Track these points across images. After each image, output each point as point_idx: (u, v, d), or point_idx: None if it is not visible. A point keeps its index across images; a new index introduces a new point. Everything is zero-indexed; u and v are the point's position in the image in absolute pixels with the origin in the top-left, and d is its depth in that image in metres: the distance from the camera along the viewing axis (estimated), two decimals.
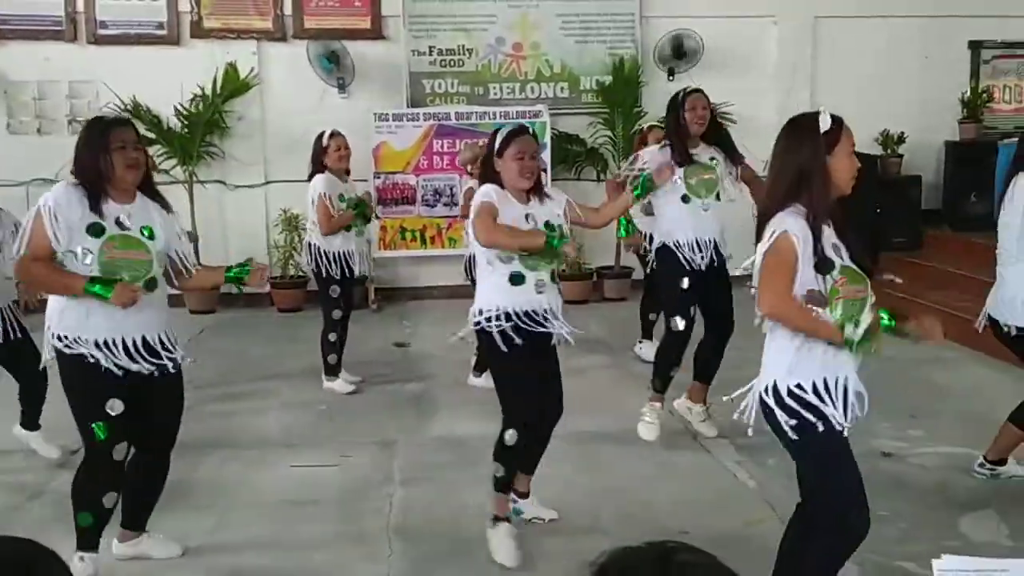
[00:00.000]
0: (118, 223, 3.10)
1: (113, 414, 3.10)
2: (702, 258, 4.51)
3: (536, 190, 3.50)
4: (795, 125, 2.66)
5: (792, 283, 2.53)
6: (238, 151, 8.19)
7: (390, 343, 6.80)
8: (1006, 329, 3.89)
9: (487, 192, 3.39)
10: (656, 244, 4.67)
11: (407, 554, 3.54)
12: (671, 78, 8.53)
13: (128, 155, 3.09)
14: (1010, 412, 4.05)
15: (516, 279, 3.39)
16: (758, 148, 8.14)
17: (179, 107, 7.86)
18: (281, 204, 8.17)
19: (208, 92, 7.86)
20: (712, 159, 4.57)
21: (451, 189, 8.26)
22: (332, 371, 5.63)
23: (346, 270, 5.50)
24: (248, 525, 3.81)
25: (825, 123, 2.56)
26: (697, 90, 4.62)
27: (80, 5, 8.00)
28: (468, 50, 8.38)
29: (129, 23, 8.07)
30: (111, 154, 3.07)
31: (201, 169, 8.05)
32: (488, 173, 3.47)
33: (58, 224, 3.01)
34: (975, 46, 8.90)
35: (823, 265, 2.51)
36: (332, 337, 5.57)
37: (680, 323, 4.54)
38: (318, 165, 5.53)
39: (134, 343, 3.13)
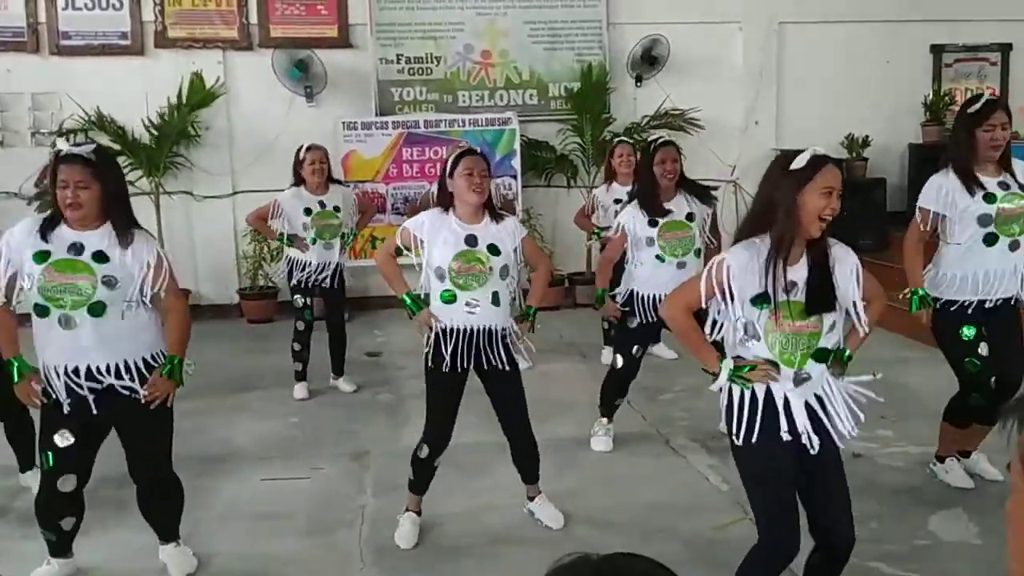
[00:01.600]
0: (73, 248, 3.07)
1: (60, 445, 3.06)
2: None
3: (488, 209, 3.56)
4: (775, 160, 2.72)
5: (699, 301, 2.65)
6: (205, 162, 8.11)
7: (362, 353, 6.75)
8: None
9: (418, 219, 3.60)
10: (624, 288, 4.59)
11: (379, 566, 3.52)
12: (639, 84, 8.58)
13: (65, 194, 3.02)
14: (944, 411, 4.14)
15: (446, 298, 3.54)
16: (724, 152, 8.30)
17: (149, 119, 7.77)
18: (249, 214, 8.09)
19: (174, 102, 7.78)
20: (689, 215, 4.51)
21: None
22: (297, 377, 5.79)
23: (310, 282, 5.60)
24: (218, 539, 3.76)
25: (800, 161, 2.58)
26: (667, 143, 4.55)
27: (42, 16, 7.89)
28: (436, 58, 8.37)
29: (92, 33, 7.97)
30: (56, 190, 3.06)
31: (168, 180, 7.97)
32: (443, 195, 3.60)
33: (9, 264, 3.08)
34: (937, 50, 9.03)
35: (758, 299, 2.57)
36: (296, 346, 5.76)
37: (619, 361, 4.63)
38: (296, 177, 5.63)
39: (76, 371, 3.07)
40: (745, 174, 8.76)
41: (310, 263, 5.58)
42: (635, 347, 4.60)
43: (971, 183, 3.86)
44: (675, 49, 8.46)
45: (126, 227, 3.15)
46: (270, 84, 8.10)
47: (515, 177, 8.32)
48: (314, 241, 5.57)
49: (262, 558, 3.60)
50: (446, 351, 3.53)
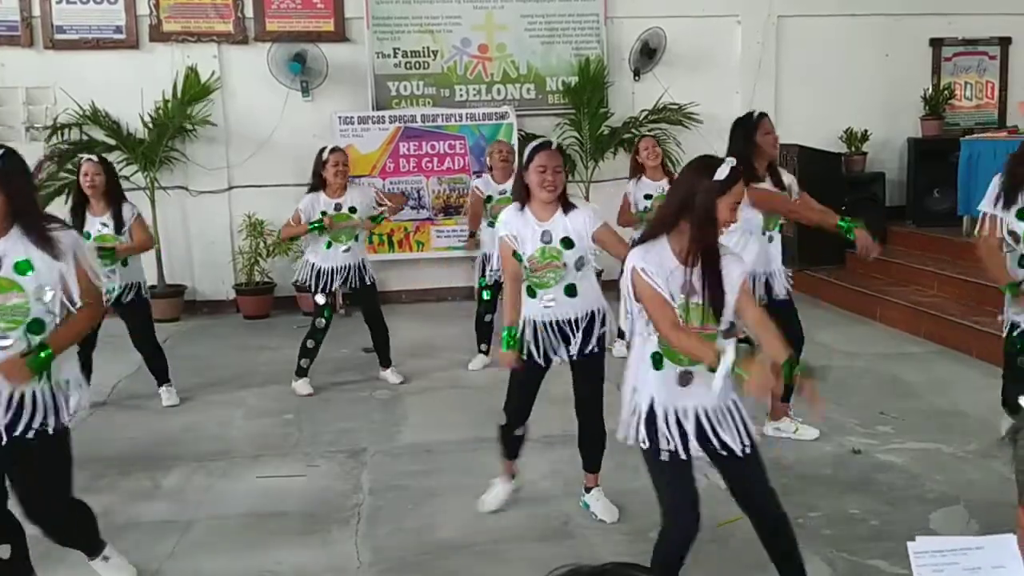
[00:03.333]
0: None
1: None
2: None
3: (561, 202, 3.58)
4: (699, 166, 2.72)
5: (671, 312, 2.67)
6: (200, 156, 8.06)
7: (358, 348, 6.71)
8: None
9: (504, 224, 3.63)
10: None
11: (375, 565, 3.48)
12: (637, 78, 8.54)
13: None
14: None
15: (527, 293, 3.65)
16: (723, 147, 8.23)
17: (148, 114, 7.72)
18: (245, 209, 8.06)
19: (169, 97, 7.72)
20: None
21: (418, 192, 8.20)
22: (300, 373, 5.74)
23: (327, 283, 5.63)
24: (213, 537, 3.73)
25: (723, 172, 2.63)
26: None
27: (36, 9, 7.82)
28: (433, 52, 8.32)
29: (87, 27, 7.91)
30: None
31: (163, 175, 7.92)
32: (518, 187, 3.65)
33: None
34: (936, 43, 9.00)
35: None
36: (310, 344, 5.73)
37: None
38: (318, 179, 5.61)
39: None
40: None
41: (331, 267, 5.62)
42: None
43: None
44: (673, 43, 8.42)
45: (36, 229, 2.83)
46: (266, 78, 8.05)
47: (513, 172, 8.27)
48: (329, 245, 5.60)
49: (258, 556, 3.57)
50: (525, 343, 3.64)
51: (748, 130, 4.36)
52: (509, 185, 5.97)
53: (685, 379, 2.72)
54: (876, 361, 6.10)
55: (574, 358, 3.67)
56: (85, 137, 7.74)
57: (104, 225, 5.16)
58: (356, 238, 5.69)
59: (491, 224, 5.97)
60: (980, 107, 9.17)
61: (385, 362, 5.97)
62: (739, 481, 2.85)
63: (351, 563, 3.50)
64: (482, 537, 3.67)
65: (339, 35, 8.18)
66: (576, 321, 3.61)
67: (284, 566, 3.50)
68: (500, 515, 3.87)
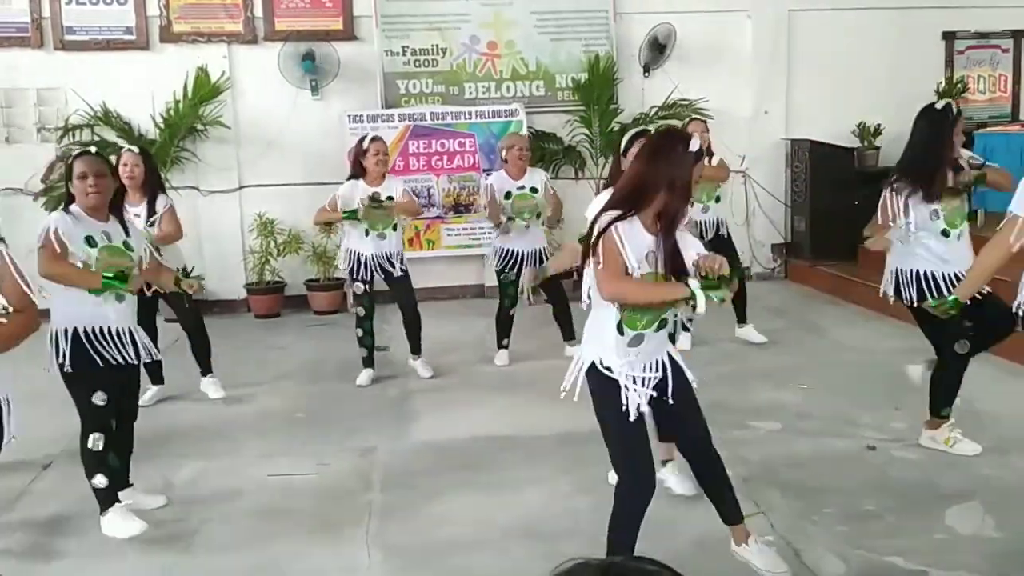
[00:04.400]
0: (104, 235, 3.64)
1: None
2: None
3: None
4: (673, 139, 2.85)
5: (623, 266, 2.79)
6: (211, 156, 8.07)
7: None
8: None
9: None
10: None
11: (386, 563, 3.47)
12: (646, 74, 8.50)
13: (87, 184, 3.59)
14: None
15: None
16: (733, 142, 8.21)
17: (159, 115, 7.74)
18: (256, 209, 8.08)
19: (179, 97, 7.74)
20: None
21: (428, 190, 8.19)
22: (365, 363, 5.88)
23: (364, 271, 5.68)
24: (224, 534, 3.73)
25: (695, 144, 2.78)
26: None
27: (46, 11, 7.85)
28: (442, 49, 8.30)
29: (97, 28, 7.93)
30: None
31: (174, 175, 7.92)
32: (615, 173, 3.75)
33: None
34: (949, 36, 8.92)
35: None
36: (359, 333, 5.86)
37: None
38: (357, 167, 5.67)
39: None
40: (754, 164, 8.68)
41: (369, 255, 5.66)
42: None
43: None
44: (683, 38, 8.38)
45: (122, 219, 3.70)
46: (275, 78, 8.06)
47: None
48: (367, 232, 5.63)
49: (268, 554, 3.57)
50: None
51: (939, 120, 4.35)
52: (527, 180, 6.01)
53: (636, 341, 2.87)
54: (891, 357, 6.02)
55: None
56: (96, 138, 7.75)
57: (136, 216, 5.17)
58: (394, 227, 5.71)
59: (511, 220, 5.99)
60: (993, 100, 9.09)
61: (416, 351, 5.99)
62: (673, 419, 3.06)
63: (362, 561, 3.49)
64: (493, 534, 3.65)
65: (348, 34, 8.18)
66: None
67: (295, 564, 3.49)
68: (510, 512, 3.85)
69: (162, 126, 7.76)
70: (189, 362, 5.72)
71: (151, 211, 5.28)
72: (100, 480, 3.59)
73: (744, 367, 5.94)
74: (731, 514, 3.21)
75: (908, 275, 4.34)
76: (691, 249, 2.90)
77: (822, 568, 3.29)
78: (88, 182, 3.59)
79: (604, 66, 8.20)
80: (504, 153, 6.15)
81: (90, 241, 3.59)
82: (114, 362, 3.62)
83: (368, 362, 5.88)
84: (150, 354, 3.84)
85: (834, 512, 3.73)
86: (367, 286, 5.75)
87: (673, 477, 3.90)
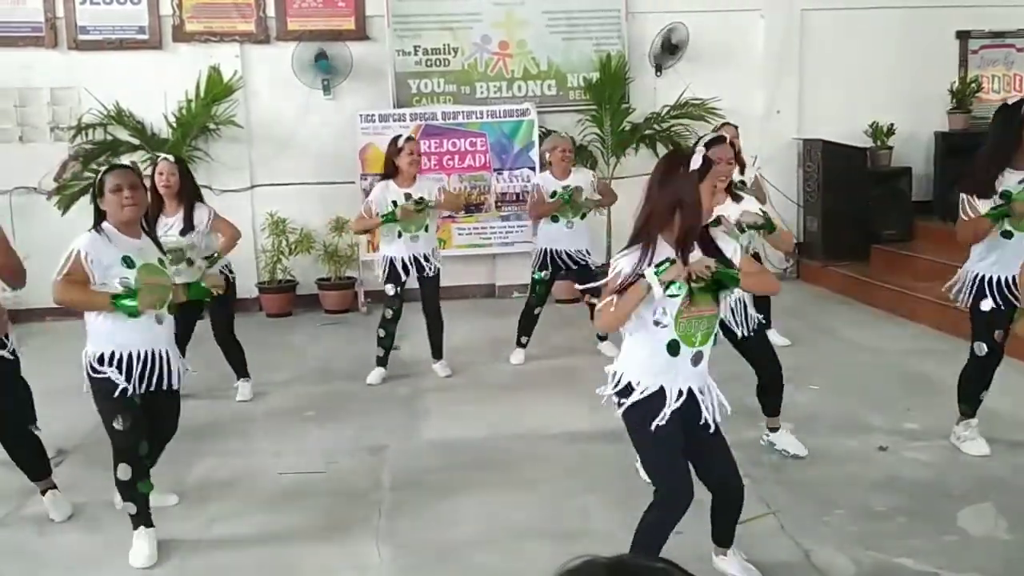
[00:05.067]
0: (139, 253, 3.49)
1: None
2: None
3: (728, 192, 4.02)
4: (670, 162, 2.92)
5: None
6: (223, 155, 8.10)
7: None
8: None
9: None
10: None
11: (396, 561, 3.48)
12: (658, 74, 8.49)
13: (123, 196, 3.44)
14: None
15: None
16: (746, 142, 8.15)
17: (172, 114, 7.78)
18: (268, 208, 8.10)
19: (192, 96, 7.78)
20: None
21: (439, 190, 8.17)
22: (379, 362, 5.89)
23: (400, 273, 5.70)
24: (234, 533, 3.75)
25: (696, 161, 2.83)
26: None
27: (60, 11, 7.90)
28: (454, 49, 8.31)
29: (110, 28, 7.97)
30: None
31: None
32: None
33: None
34: (962, 36, 8.86)
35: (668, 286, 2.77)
36: (381, 333, 5.86)
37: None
38: (391, 167, 5.66)
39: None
40: (767, 164, 8.62)
41: (402, 257, 5.67)
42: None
43: None
44: (695, 38, 8.35)
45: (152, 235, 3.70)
46: (287, 78, 8.08)
47: (533, 169, 8.24)
48: (399, 235, 5.64)
49: (278, 551, 3.58)
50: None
51: (1010, 118, 4.17)
52: (571, 180, 6.06)
53: (697, 359, 2.95)
54: (902, 357, 6.02)
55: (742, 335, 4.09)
56: (109, 137, 7.80)
57: (168, 227, 5.08)
58: (426, 228, 5.72)
59: (555, 219, 6.03)
60: (1008, 100, 9.02)
61: (437, 354, 6.00)
62: (709, 455, 3.04)
63: (372, 559, 3.50)
64: (502, 533, 3.66)
65: (360, 33, 8.19)
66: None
67: (305, 562, 3.51)
68: (520, 511, 3.86)
69: (174, 125, 7.79)
70: (201, 358, 5.74)
71: (188, 222, 5.13)
72: (130, 507, 3.54)
73: None
74: (723, 538, 3.23)
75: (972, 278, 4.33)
76: (728, 247, 3.00)
77: (832, 569, 3.28)
78: (124, 195, 3.41)
79: (616, 65, 8.19)
80: (548, 156, 6.24)
81: (127, 261, 3.41)
82: (145, 388, 3.51)
83: (382, 361, 5.90)
84: (179, 376, 3.67)
85: (845, 513, 3.71)
86: (399, 288, 5.75)
87: (786, 438, 4.35)
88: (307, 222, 8.12)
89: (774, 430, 4.40)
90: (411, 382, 5.86)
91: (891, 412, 4.88)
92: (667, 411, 2.88)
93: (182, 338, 4.86)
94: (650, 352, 2.90)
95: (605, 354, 6.16)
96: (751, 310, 4.14)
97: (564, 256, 6.02)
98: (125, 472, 3.48)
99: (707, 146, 4.11)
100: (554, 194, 6.02)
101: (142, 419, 3.51)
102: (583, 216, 6.04)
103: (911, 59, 8.63)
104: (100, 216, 3.48)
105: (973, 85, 8.72)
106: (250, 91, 8.12)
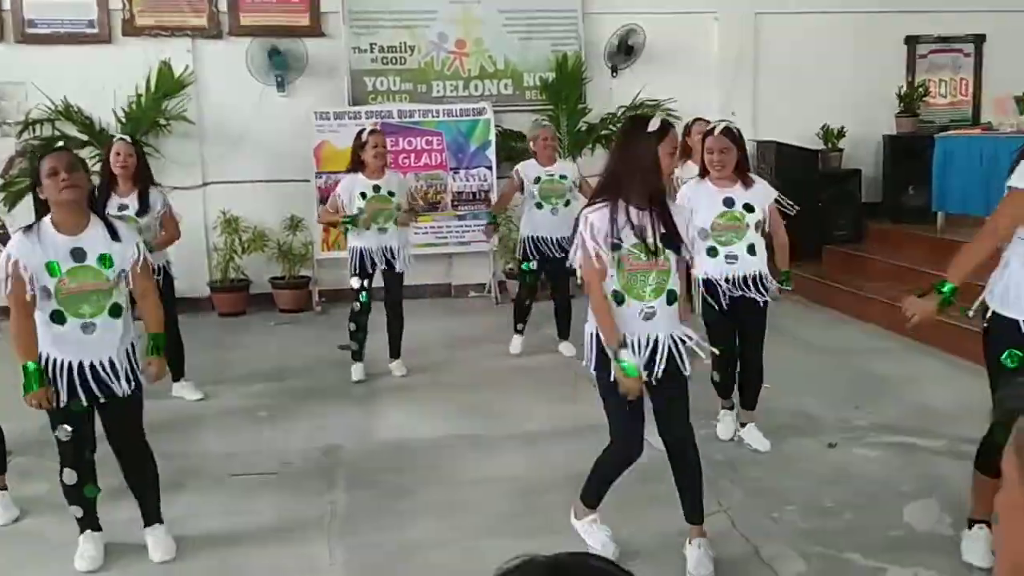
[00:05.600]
0: (73, 254, 3.22)
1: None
2: None
3: (741, 177, 4.24)
4: (633, 125, 3.20)
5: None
6: (174, 152, 7.96)
7: (335, 346, 6.66)
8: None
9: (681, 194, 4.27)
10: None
11: (349, 563, 3.45)
12: (614, 75, 8.54)
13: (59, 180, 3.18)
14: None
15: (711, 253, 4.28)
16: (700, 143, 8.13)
17: (121, 109, 7.63)
18: (220, 206, 7.98)
19: (141, 92, 7.64)
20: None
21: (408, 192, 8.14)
22: (353, 357, 5.83)
23: (367, 266, 5.66)
24: (184, 535, 3.67)
25: (655, 124, 3.06)
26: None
27: (7, 3, 7.69)
28: (410, 47, 8.27)
29: (59, 21, 7.79)
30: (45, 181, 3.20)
31: None
32: (700, 162, 4.32)
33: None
34: (911, 41, 9.05)
35: (614, 246, 3.05)
36: (352, 327, 5.79)
37: None
38: (356, 161, 5.63)
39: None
40: None
41: (369, 248, 5.63)
42: None
43: None
44: (651, 39, 8.42)
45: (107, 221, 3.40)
46: (241, 73, 7.98)
47: (490, 168, 8.26)
48: (368, 226, 5.60)
49: (229, 554, 3.53)
50: (712, 299, 4.24)
51: None
52: (556, 168, 6.15)
53: (648, 315, 3.14)
54: (852, 356, 6.12)
55: (753, 303, 4.27)
56: (57, 133, 7.63)
57: (123, 207, 5.11)
58: (395, 221, 5.68)
59: (539, 207, 6.08)
60: (954, 104, 9.24)
61: (395, 353, 5.96)
62: (667, 416, 3.24)
63: (323, 562, 3.47)
64: (458, 533, 3.65)
65: (315, 30, 8.11)
66: (752, 276, 4.25)
67: (255, 564, 3.46)
68: (476, 511, 3.85)
69: (124, 121, 7.65)
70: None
71: (143, 204, 5.15)
72: (76, 511, 3.45)
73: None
74: (689, 514, 3.34)
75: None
76: (681, 219, 3.20)
77: (782, 565, 3.32)
78: (61, 177, 3.17)
79: (572, 65, 8.22)
80: (532, 144, 6.30)
81: (51, 268, 3.18)
82: (87, 398, 3.28)
83: (359, 355, 5.85)
84: (132, 383, 3.36)
85: (794, 510, 3.77)
86: (366, 281, 5.72)
87: (751, 434, 4.48)
88: (261, 220, 8.02)
89: (744, 425, 4.55)
90: (368, 382, 5.82)
91: (841, 410, 4.97)
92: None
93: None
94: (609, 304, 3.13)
95: (564, 354, 6.19)
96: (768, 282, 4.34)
97: (550, 243, 6.02)
98: (70, 476, 3.39)
99: (704, 136, 4.39)
100: (537, 180, 6.08)
101: (86, 428, 3.37)
102: (567, 204, 6.06)
103: (861, 63, 8.79)
104: (42, 208, 3.28)
105: (921, 89, 8.91)
106: (202, 87, 8.00)
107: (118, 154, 5.15)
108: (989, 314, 3.05)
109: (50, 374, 3.25)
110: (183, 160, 7.98)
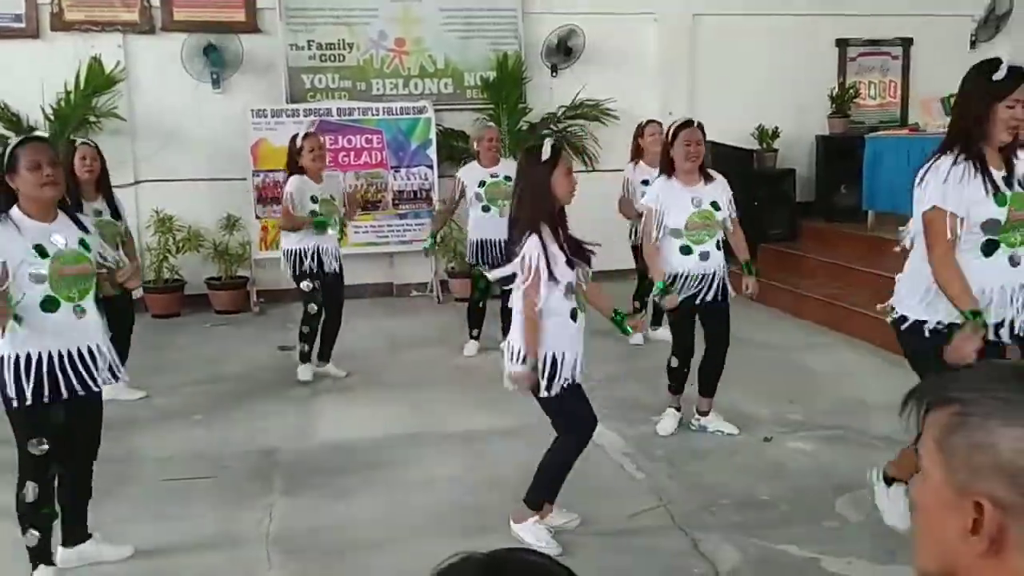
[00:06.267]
0: (54, 240, 3.10)
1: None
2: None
3: (702, 172, 4.45)
4: (530, 155, 3.39)
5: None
6: (104, 149, 7.58)
7: (273, 347, 6.57)
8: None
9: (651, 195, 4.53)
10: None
11: (287, 567, 3.40)
12: (555, 74, 8.57)
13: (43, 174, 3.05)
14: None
15: (684, 251, 4.45)
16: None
17: (49, 106, 7.41)
18: (153, 205, 7.80)
19: (71, 88, 7.43)
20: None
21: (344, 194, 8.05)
22: (303, 358, 5.71)
23: (322, 266, 5.53)
24: (116, 543, 3.58)
25: (546, 152, 3.29)
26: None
27: None
28: (349, 44, 8.19)
29: None
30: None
31: None
32: (664, 160, 4.52)
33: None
34: (841, 44, 9.27)
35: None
36: (305, 330, 5.67)
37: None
38: (294, 167, 5.48)
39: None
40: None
41: (317, 249, 5.49)
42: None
43: (986, 176, 3.00)
44: (591, 39, 8.47)
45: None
46: (174, 69, 7.81)
47: (431, 167, 8.22)
48: (319, 227, 5.49)
49: (164, 560, 3.45)
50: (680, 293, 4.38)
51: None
52: (500, 169, 6.10)
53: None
54: (786, 352, 6.25)
55: (715, 302, 4.46)
56: None
57: (99, 212, 5.04)
58: (334, 222, 5.58)
59: (485, 209, 6.05)
60: (883, 106, 9.49)
61: (329, 355, 5.85)
62: None
63: (261, 566, 3.41)
64: (399, 534, 3.62)
65: (251, 26, 7.98)
66: (717, 274, 4.44)
67: (191, 570, 3.39)
68: (416, 511, 3.82)
69: (52, 118, 7.43)
70: None
71: (114, 208, 5.14)
72: (31, 538, 3.18)
73: (653, 363, 6.04)
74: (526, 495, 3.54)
75: None
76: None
77: (719, 557, 3.37)
78: (44, 172, 3.00)
79: (512, 65, 8.23)
80: (476, 144, 6.24)
81: (40, 251, 3.02)
82: (78, 392, 3.13)
83: (308, 357, 5.72)
84: (114, 375, 3.30)
85: (731, 503, 3.83)
86: (317, 283, 5.56)
87: (718, 421, 4.66)
88: (196, 219, 7.86)
89: (705, 414, 4.69)
90: (305, 383, 5.73)
91: (776, 405, 5.06)
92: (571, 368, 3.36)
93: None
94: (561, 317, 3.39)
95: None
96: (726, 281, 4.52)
97: (498, 246, 5.94)
98: (33, 492, 3.13)
99: (678, 130, 4.43)
100: (482, 183, 6.05)
101: (60, 442, 3.16)
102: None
103: (794, 65, 8.97)
104: (8, 197, 3.06)
105: (851, 91, 9.14)
106: (133, 83, 7.81)
107: (84, 158, 5.07)
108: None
109: (43, 371, 3.04)
110: (114, 157, 7.67)
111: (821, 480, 4.06)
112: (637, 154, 6.40)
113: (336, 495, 4.01)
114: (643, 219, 4.55)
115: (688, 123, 4.44)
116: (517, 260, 3.32)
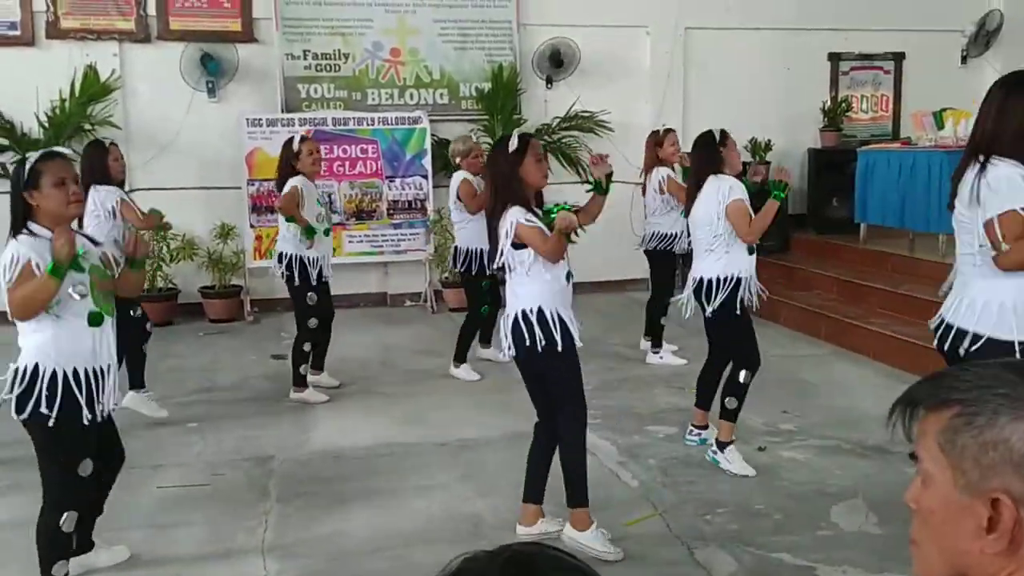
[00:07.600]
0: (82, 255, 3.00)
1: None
2: None
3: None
4: (500, 146, 3.52)
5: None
6: None
7: (267, 355, 6.57)
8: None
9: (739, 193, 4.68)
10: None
11: (282, 574, 3.40)
12: (549, 86, 8.62)
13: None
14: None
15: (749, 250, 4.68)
16: (634, 155, 8.40)
17: (44, 114, 7.41)
18: None
19: (66, 96, 7.43)
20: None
21: (330, 196, 8.06)
22: (302, 381, 5.48)
23: (321, 276, 5.38)
24: (111, 550, 3.57)
25: (513, 143, 3.42)
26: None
27: None
28: (344, 54, 8.22)
29: None
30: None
31: None
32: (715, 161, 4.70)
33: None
34: (834, 58, 9.35)
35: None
36: (307, 347, 5.45)
37: None
38: (290, 171, 5.32)
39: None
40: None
41: (322, 257, 5.37)
42: None
43: None
44: (585, 52, 8.52)
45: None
46: (169, 78, 7.83)
47: (426, 177, 8.25)
48: (316, 234, 5.32)
49: (159, 569, 3.44)
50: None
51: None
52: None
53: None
54: (779, 362, 6.26)
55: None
56: None
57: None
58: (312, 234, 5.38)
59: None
60: (875, 119, 9.57)
61: (323, 364, 5.78)
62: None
63: (257, 573, 3.40)
64: (392, 541, 3.62)
65: (247, 36, 8.01)
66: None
67: None
68: (410, 520, 3.83)
69: (47, 125, 7.43)
70: None
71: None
72: (59, 570, 3.03)
73: (645, 373, 6.07)
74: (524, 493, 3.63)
75: None
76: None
77: (714, 566, 3.38)
78: (71, 189, 2.94)
79: (507, 76, 8.27)
80: (461, 159, 6.11)
81: (77, 264, 2.92)
82: (102, 413, 3.04)
83: (306, 380, 5.53)
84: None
85: (726, 512, 3.84)
86: (318, 294, 5.38)
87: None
88: (190, 228, 7.86)
89: (705, 427, 4.64)
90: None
91: (769, 415, 5.08)
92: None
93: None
94: (547, 284, 3.45)
95: (488, 358, 6.20)
96: (715, 292, 4.49)
97: (482, 254, 5.82)
98: (71, 521, 3.01)
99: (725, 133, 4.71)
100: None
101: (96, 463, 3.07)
102: None
103: (787, 79, 9.04)
104: (27, 214, 2.94)
105: (844, 105, 9.21)
106: (128, 91, 7.82)
107: (116, 159, 5.15)
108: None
109: (80, 387, 2.94)
110: None
111: (815, 489, 4.08)
112: (656, 162, 6.39)
113: (331, 503, 4.01)
114: (734, 217, 4.61)
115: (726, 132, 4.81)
116: (503, 238, 3.36)
